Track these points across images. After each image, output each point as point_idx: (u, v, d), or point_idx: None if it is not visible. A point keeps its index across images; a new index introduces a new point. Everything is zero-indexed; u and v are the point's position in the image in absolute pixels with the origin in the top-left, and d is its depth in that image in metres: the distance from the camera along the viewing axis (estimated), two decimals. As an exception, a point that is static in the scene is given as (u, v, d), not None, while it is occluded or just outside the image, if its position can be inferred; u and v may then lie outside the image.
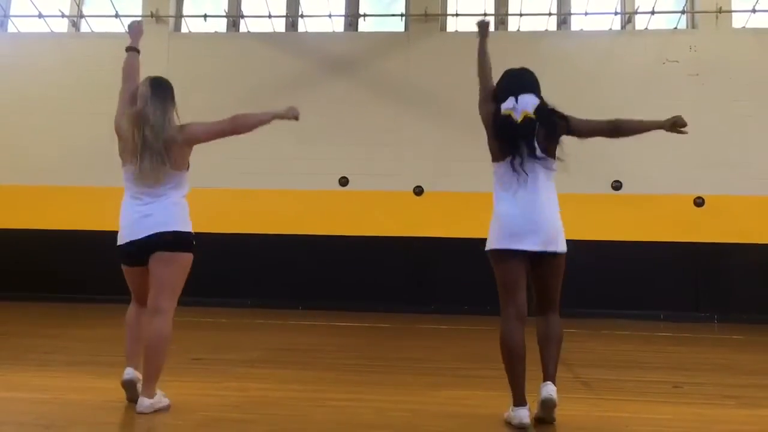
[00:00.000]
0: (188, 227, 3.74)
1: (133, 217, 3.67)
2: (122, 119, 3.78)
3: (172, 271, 3.64)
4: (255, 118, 3.95)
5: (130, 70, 3.97)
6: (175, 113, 3.80)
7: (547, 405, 3.36)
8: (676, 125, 3.49)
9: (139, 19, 3.83)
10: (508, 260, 3.48)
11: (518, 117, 3.50)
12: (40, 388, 4.10)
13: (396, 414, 3.70)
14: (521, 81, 3.64)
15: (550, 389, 3.37)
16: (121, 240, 3.72)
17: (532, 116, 3.50)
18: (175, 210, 3.70)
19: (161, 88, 3.75)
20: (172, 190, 3.71)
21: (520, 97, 3.54)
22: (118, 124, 3.80)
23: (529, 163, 3.49)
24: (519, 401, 3.41)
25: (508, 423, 3.42)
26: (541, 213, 3.49)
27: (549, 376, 3.42)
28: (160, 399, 3.63)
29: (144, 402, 3.54)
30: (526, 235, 3.44)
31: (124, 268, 3.78)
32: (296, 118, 4.00)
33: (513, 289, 3.49)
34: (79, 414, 3.54)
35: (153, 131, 3.62)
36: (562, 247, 3.52)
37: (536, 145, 3.49)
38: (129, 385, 3.64)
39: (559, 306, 3.58)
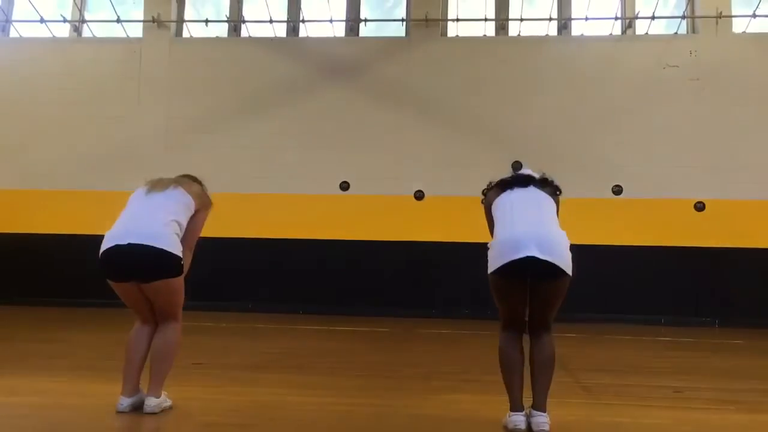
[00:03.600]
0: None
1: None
2: None
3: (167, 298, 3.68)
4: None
5: None
6: None
7: None
8: None
9: None
10: (508, 279, 3.41)
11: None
12: (41, 393, 4.10)
13: (396, 419, 3.71)
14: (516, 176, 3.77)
15: (540, 422, 3.35)
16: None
17: (535, 176, 3.68)
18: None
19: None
20: None
21: (518, 173, 3.76)
22: None
23: (525, 182, 3.63)
24: (515, 407, 3.43)
25: (505, 427, 3.43)
26: (542, 225, 3.45)
27: (538, 404, 3.41)
28: (165, 399, 3.66)
29: (151, 402, 3.57)
30: (526, 245, 3.33)
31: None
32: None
33: (512, 305, 3.48)
34: (80, 419, 3.54)
35: None
36: (564, 265, 3.35)
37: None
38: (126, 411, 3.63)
39: (551, 328, 3.52)
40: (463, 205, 9.53)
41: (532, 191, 3.59)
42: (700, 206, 9.91)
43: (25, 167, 10.67)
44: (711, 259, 9.77)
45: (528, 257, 3.30)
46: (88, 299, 9.81)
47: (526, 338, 3.52)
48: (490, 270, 3.46)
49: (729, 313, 9.58)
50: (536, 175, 3.70)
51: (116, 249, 3.60)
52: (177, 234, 3.70)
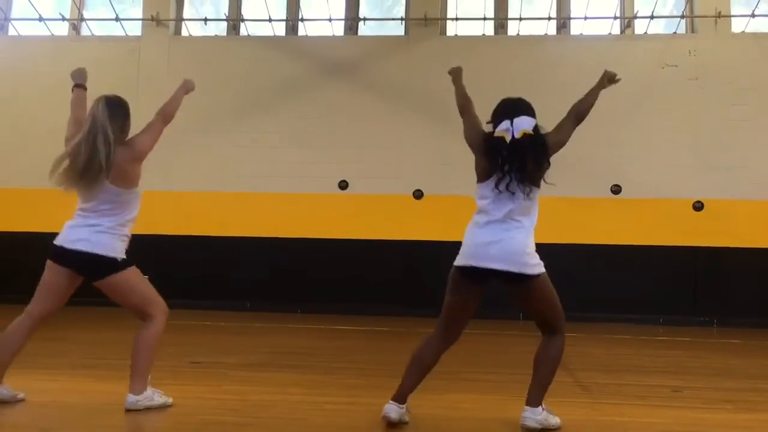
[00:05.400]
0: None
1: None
2: (69, 142, 3.82)
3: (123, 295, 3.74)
4: (174, 101, 4.08)
5: (79, 102, 4.13)
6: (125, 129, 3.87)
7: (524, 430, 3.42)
8: (611, 80, 3.83)
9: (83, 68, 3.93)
10: (462, 288, 3.59)
11: (517, 135, 3.49)
12: (39, 391, 4.10)
13: (395, 418, 3.70)
14: (517, 106, 3.65)
15: (526, 416, 3.41)
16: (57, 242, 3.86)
17: (531, 133, 3.51)
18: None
19: (113, 107, 3.78)
20: (115, 209, 3.74)
21: (515, 120, 3.53)
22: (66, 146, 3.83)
23: (514, 184, 3.45)
24: (396, 396, 3.53)
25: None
26: (508, 234, 3.45)
27: (529, 400, 3.45)
28: (152, 397, 3.64)
29: (129, 399, 3.59)
30: (486, 253, 3.44)
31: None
32: (190, 88, 4.17)
33: (452, 320, 3.69)
34: (78, 417, 3.54)
35: (102, 151, 3.64)
36: (532, 270, 3.42)
37: (526, 165, 3.47)
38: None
39: (561, 328, 3.52)
40: (463, 205, 9.55)
41: (518, 194, 3.47)
42: (698, 206, 9.91)
43: (23, 166, 10.63)
44: (709, 258, 9.77)
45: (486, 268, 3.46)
46: (87, 298, 9.82)
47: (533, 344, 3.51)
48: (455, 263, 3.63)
49: (727, 313, 9.58)
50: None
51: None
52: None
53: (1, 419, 3.52)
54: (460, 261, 3.57)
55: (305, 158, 10.40)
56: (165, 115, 3.97)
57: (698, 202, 9.92)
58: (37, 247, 10.34)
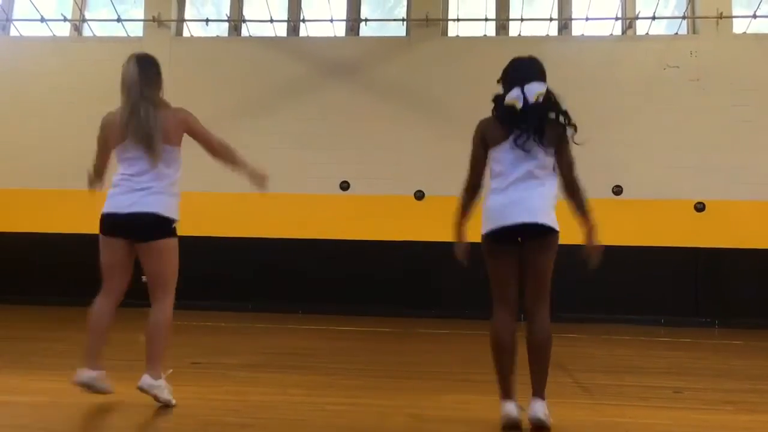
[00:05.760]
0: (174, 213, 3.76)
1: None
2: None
3: (161, 261, 3.72)
4: (238, 159, 3.99)
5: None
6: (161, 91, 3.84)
7: (537, 426, 3.35)
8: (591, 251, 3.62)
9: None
10: (498, 245, 3.49)
11: (530, 100, 3.46)
12: (39, 392, 4.10)
13: (396, 418, 3.70)
14: (527, 70, 3.61)
15: (538, 409, 3.34)
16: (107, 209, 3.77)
17: (544, 93, 3.50)
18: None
19: (147, 66, 3.78)
20: (166, 168, 3.73)
21: (526, 87, 3.50)
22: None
23: (531, 141, 3.43)
24: (506, 394, 3.40)
25: (501, 422, 3.38)
26: (530, 186, 3.45)
27: (537, 391, 3.40)
28: (163, 387, 3.64)
29: (145, 380, 3.60)
30: (511, 209, 3.42)
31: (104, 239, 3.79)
32: (262, 186, 4.00)
33: (504, 279, 3.50)
34: (78, 418, 3.54)
35: (144, 117, 3.66)
36: (550, 222, 3.44)
37: (544, 123, 3.46)
38: (85, 387, 3.63)
39: (548, 304, 3.51)
40: (463, 205, 9.59)
41: (537, 153, 3.46)
42: (700, 207, 9.90)
43: (25, 166, 10.66)
44: (711, 259, 9.77)
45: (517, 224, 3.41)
46: (86, 298, 9.83)
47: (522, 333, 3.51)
48: (482, 232, 3.55)
49: (728, 314, 9.57)
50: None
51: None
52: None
53: (2, 420, 3.52)
54: (488, 227, 3.51)
55: (306, 159, 10.41)
56: (226, 148, 3.96)
57: (699, 203, 9.91)
58: (39, 248, 10.44)
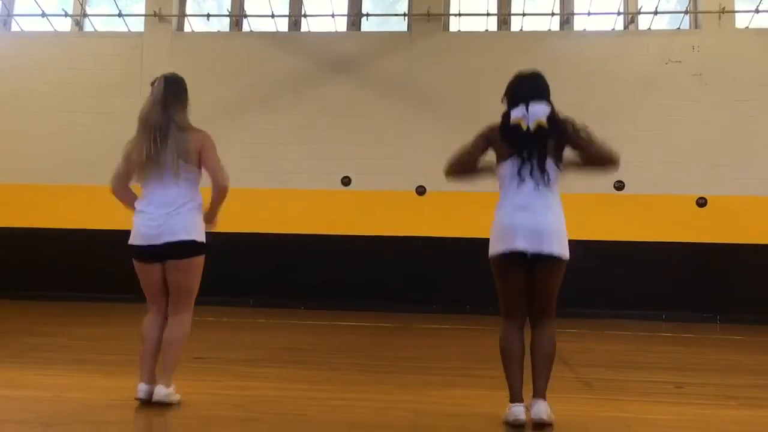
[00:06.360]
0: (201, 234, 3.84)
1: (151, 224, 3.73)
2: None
3: (186, 277, 3.78)
4: (216, 203, 4.00)
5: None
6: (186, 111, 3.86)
7: (540, 424, 3.37)
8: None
9: None
10: (507, 266, 3.49)
11: (530, 125, 3.46)
12: (41, 387, 4.11)
13: (397, 413, 3.70)
14: (532, 88, 3.59)
15: (541, 409, 3.36)
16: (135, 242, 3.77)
17: (545, 125, 3.46)
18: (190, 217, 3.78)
19: (174, 87, 3.81)
20: (187, 188, 3.77)
21: (530, 105, 3.49)
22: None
23: (536, 170, 3.47)
24: (515, 398, 3.43)
25: (506, 421, 3.42)
26: (540, 216, 3.45)
27: (538, 392, 3.43)
28: (174, 392, 3.69)
29: (161, 390, 3.62)
30: (523, 236, 3.42)
31: (137, 264, 3.81)
32: (209, 225, 4.02)
33: (513, 297, 3.52)
34: (80, 412, 3.54)
35: (168, 139, 3.71)
36: (560, 251, 3.44)
37: (546, 154, 3.48)
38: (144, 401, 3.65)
39: (553, 316, 3.55)
40: (465, 201, 9.55)
41: (540, 175, 3.48)
42: (702, 202, 9.89)
43: (25, 161, 10.65)
44: (712, 254, 9.75)
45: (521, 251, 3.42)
46: (87, 293, 9.84)
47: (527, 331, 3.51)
48: (490, 253, 3.56)
49: (730, 309, 9.56)
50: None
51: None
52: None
53: (5, 415, 3.52)
54: (498, 248, 3.51)
55: (307, 154, 10.40)
56: (217, 188, 3.93)
57: (702, 198, 9.90)
58: (41, 243, 10.44)
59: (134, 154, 3.79)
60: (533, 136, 3.46)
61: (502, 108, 3.66)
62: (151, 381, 3.66)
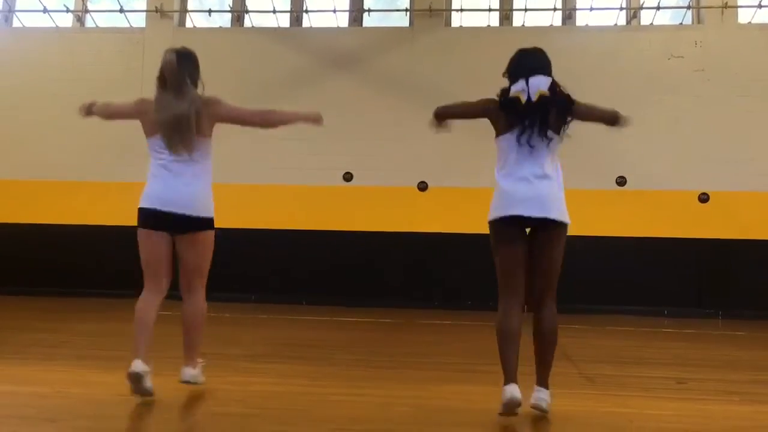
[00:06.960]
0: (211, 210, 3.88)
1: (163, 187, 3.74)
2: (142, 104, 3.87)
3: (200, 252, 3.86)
4: (283, 116, 4.09)
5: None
6: (200, 84, 3.93)
7: (536, 410, 3.38)
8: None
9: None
10: (507, 230, 3.50)
11: (533, 97, 3.48)
12: (43, 382, 4.11)
13: (399, 409, 3.71)
14: (532, 62, 3.63)
15: (542, 397, 3.37)
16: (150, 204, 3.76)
17: (547, 94, 3.49)
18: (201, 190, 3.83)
19: (187, 60, 3.85)
20: (201, 158, 3.82)
21: (531, 79, 3.52)
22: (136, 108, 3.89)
23: (536, 138, 3.48)
24: (509, 379, 3.38)
25: (502, 402, 3.35)
26: (540, 183, 3.47)
27: (542, 381, 3.43)
28: (201, 374, 3.78)
29: (188, 371, 3.72)
30: (523, 203, 3.44)
31: (145, 232, 3.78)
32: (319, 123, 4.01)
33: (512, 267, 3.50)
34: (82, 408, 3.55)
35: (183, 105, 3.75)
36: (561, 217, 3.48)
37: (548, 123, 3.49)
38: (136, 378, 3.58)
39: (554, 297, 3.54)
40: (467, 197, 9.56)
41: (541, 145, 3.50)
42: (704, 197, 9.87)
43: (27, 158, 10.65)
44: (714, 250, 9.74)
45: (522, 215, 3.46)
46: (88, 289, 9.85)
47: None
48: (489, 218, 3.59)
49: (732, 305, 9.55)
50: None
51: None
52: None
53: (7, 410, 3.52)
54: (498, 213, 3.53)
55: (309, 150, 10.37)
56: (267, 116, 4.02)
57: (704, 193, 9.88)
58: (40, 239, 10.44)
59: (147, 117, 3.78)
60: (534, 106, 3.47)
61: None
62: (146, 360, 3.60)
